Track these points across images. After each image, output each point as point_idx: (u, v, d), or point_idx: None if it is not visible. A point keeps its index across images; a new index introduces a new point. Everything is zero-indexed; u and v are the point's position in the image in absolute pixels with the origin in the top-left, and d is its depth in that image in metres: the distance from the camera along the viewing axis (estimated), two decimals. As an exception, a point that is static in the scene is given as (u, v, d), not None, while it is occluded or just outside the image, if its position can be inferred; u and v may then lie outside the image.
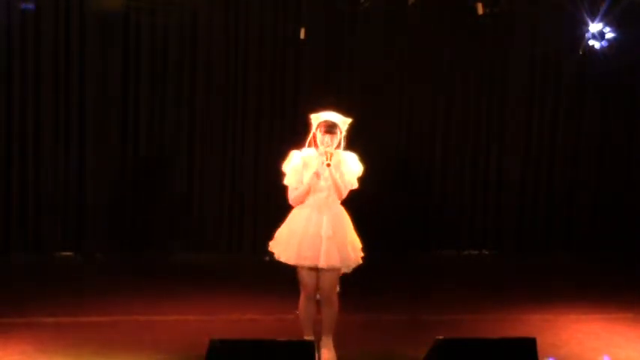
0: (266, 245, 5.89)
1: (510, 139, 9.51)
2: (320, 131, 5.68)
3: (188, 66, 8.77)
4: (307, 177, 5.68)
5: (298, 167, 5.71)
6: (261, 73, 8.90)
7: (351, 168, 5.75)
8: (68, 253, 8.70)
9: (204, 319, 6.76)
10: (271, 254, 5.82)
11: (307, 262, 5.66)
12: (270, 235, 5.92)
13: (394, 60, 9.16)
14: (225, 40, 8.83)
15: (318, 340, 5.80)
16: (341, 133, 5.72)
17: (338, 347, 5.86)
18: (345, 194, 5.75)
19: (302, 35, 8.47)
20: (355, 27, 9.01)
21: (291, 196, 5.75)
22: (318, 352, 5.75)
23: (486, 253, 9.55)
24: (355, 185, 5.77)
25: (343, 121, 5.74)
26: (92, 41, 8.54)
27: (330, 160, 5.57)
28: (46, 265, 8.40)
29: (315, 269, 5.71)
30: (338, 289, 5.82)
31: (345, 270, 5.78)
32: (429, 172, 9.41)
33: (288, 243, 5.72)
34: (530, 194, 9.59)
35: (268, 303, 7.03)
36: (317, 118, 5.74)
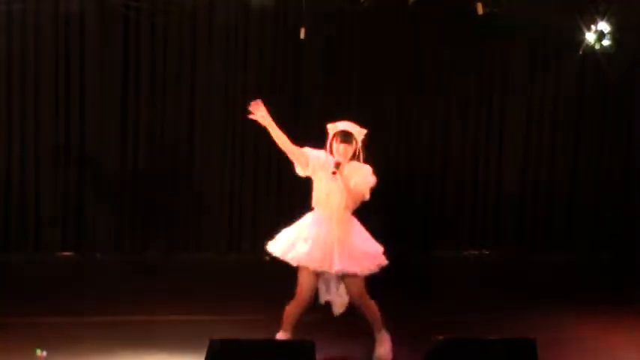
0: (266, 245, 5.88)
1: (510, 138, 9.51)
2: (336, 141, 5.74)
3: (188, 66, 8.77)
4: (317, 172, 5.76)
5: (315, 153, 5.79)
6: (261, 73, 8.90)
7: (363, 179, 5.76)
8: (68, 253, 8.70)
9: (204, 319, 6.75)
10: (270, 254, 5.82)
11: (316, 265, 5.66)
12: (270, 235, 5.91)
13: (394, 60, 9.15)
14: (225, 39, 8.82)
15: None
16: (357, 143, 5.77)
17: (337, 347, 5.86)
18: (356, 203, 5.81)
19: (302, 35, 8.46)
20: (355, 27, 9.00)
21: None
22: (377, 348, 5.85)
23: (486, 253, 9.55)
24: (367, 197, 5.79)
25: (359, 132, 5.79)
26: (92, 41, 8.54)
27: (338, 169, 5.64)
28: (46, 265, 8.39)
29: (317, 275, 5.72)
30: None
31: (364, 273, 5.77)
32: (429, 172, 9.40)
33: (295, 243, 5.71)
34: (530, 194, 9.59)
35: (268, 303, 7.01)
36: (334, 128, 5.79)
